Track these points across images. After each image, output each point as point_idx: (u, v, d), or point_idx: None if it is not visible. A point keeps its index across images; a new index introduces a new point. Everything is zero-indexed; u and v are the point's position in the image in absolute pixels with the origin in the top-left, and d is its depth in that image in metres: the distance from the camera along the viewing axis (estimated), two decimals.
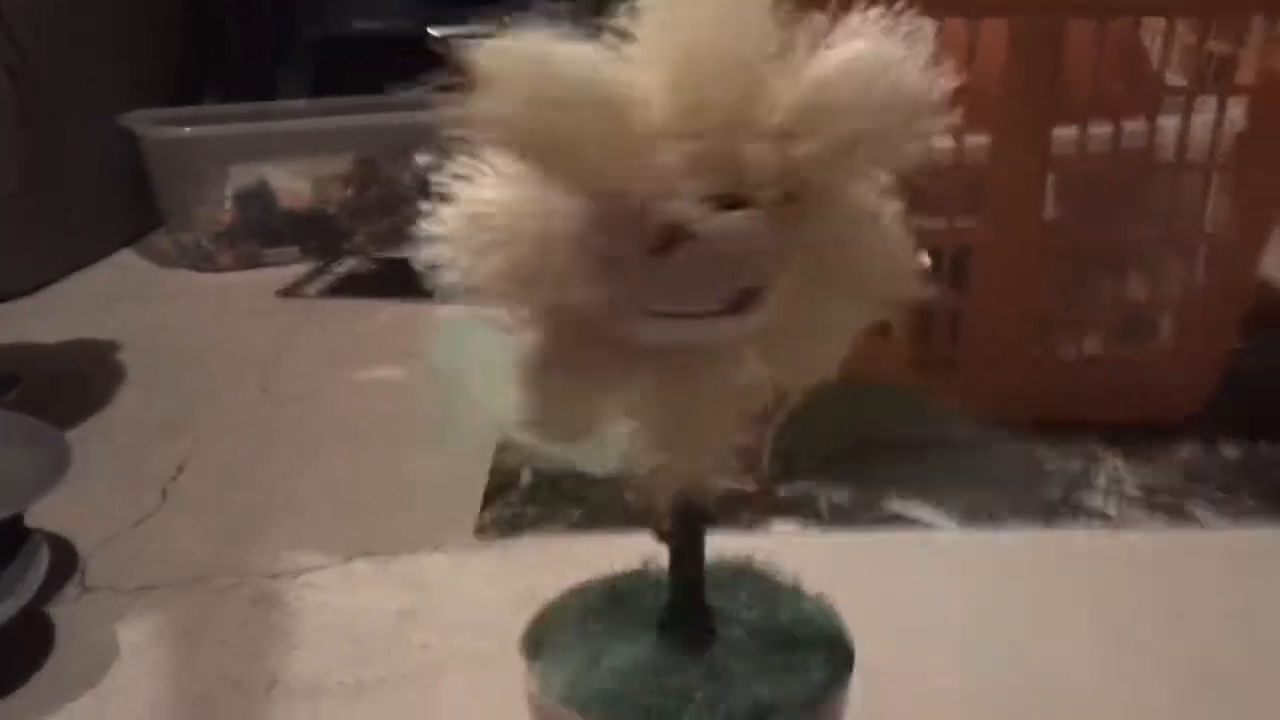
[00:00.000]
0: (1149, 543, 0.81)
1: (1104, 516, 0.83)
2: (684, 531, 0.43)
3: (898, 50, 0.34)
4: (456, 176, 0.36)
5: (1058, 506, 0.85)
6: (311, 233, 1.58)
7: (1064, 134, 0.92)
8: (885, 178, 0.36)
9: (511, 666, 0.67)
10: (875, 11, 0.34)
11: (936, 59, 0.34)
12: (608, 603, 0.48)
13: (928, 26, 0.34)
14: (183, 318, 1.34)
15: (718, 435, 0.38)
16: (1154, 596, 0.75)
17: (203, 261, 1.52)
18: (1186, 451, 0.94)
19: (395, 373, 1.16)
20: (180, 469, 0.94)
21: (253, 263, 1.53)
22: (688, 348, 0.36)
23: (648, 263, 0.34)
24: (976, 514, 0.83)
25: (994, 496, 0.85)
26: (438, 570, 0.79)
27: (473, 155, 0.35)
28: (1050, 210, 0.96)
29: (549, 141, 0.33)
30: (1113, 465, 0.91)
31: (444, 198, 0.37)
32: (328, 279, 1.48)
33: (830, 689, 0.42)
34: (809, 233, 0.35)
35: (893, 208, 0.37)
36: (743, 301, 0.35)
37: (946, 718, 0.64)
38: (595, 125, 0.32)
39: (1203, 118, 0.92)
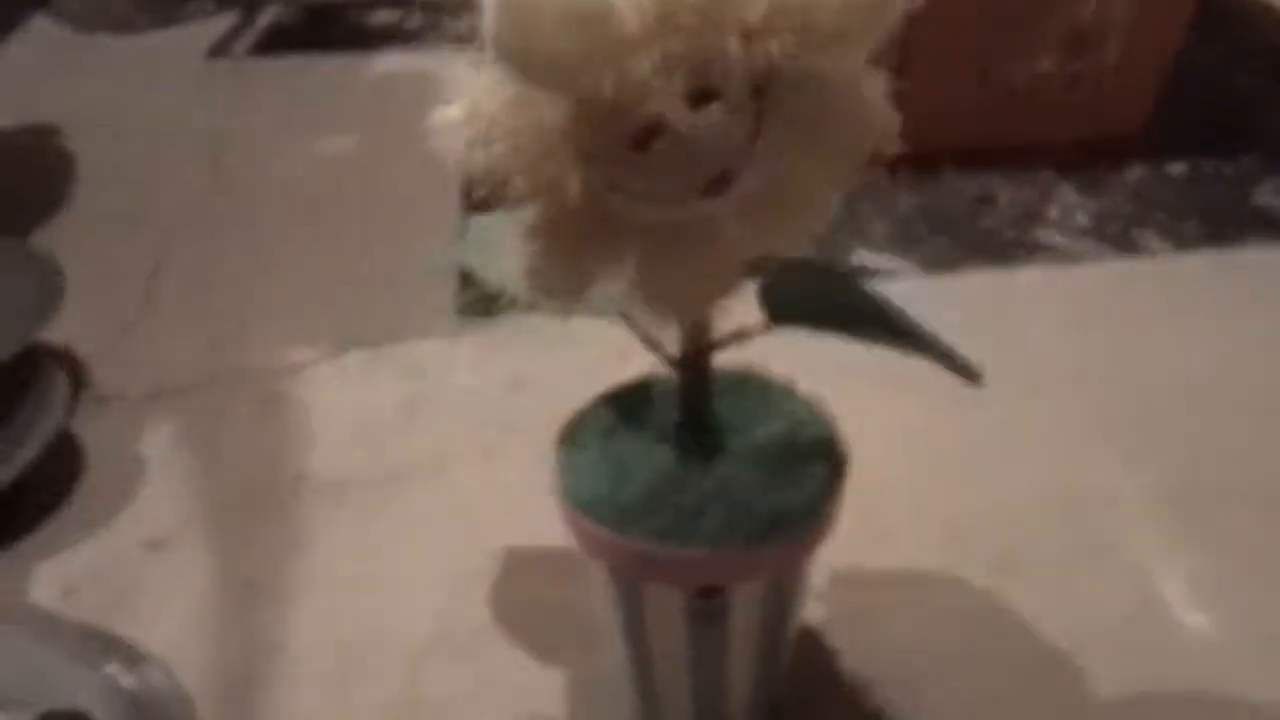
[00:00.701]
0: (1097, 276, 0.86)
1: (1056, 251, 0.88)
2: (690, 357, 0.47)
3: None
4: (463, 71, 0.37)
5: (1013, 247, 0.89)
6: None
7: None
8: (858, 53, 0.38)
9: (511, 455, 0.73)
10: None
11: None
12: (626, 414, 0.52)
13: None
14: (115, 92, 1.30)
15: (701, 298, 0.41)
16: (1100, 331, 0.80)
17: (119, 23, 1.45)
18: (1135, 174, 0.98)
19: (344, 141, 1.15)
20: (157, 266, 0.95)
21: (171, 19, 1.47)
22: (670, 224, 0.39)
23: (630, 156, 0.36)
24: (939, 261, 0.87)
25: (952, 243, 0.89)
26: (428, 358, 0.82)
27: (475, 52, 0.37)
28: None
29: (535, 59, 0.35)
30: (1065, 195, 0.95)
31: (452, 89, 0.38)
32: (254, 33, 1.44)
33: (828, 495, 0.47)
34: (785, 112, 0.37)
35: (867, 77, 0.38)
36: (717, 185, 0.37)
37: (906, 459, 0.70)
38: (574, 39, 0.34)
39: None
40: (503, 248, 0.41)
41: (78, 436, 0.76)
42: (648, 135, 0.36)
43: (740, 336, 0.46)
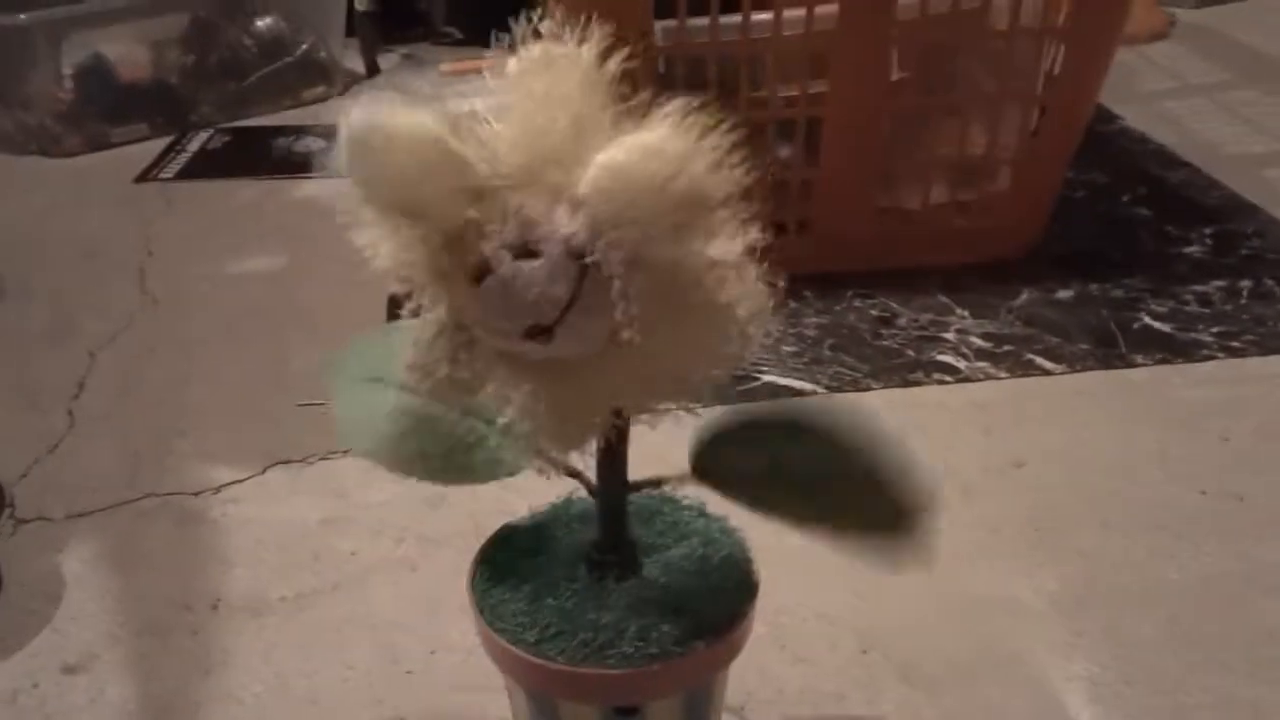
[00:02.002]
0: (993, 393, 0.90)
1: (954, 370, 0.92)
2: (605, 473, 0.50)
3: (688, 145, 0.37)
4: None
5: (912, 367, 0.93)
6: (156, 106, 1.55)
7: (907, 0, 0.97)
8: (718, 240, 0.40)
9: (433, 568, 0.74)
10: (683, 103, 0.37)
11: (728, 158, 0.37)
12: (543, 534, 0.54)
13: (727, 125, 0.37)
14: (42, 212, 1.32)
15: (564, 432, 0.43)
16: (998, 445, 0.84)
17: (50, 145, 1.48)
18: (1026, 297, 1.03)
19: (269, 261, 1.17)
20: (80, 386, 0.96)
21: (102, 143, 1.50)
22: (533, 359, 0.41)
23: (470, 289, 0.39)
24: (844, 380, 0.91)
25: (856, 362, 0.94)
26: (350, 474, 0.84)
27: None
28: (894, 72, 1.02)
29: (395, 203, 0.39)
30: (960, 317, 1.00)
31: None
32: (182, 157, 1.46)
33: (740, 611, 0.50)
34: (634, 285, 0.38)
35: (728, 267, 0.40)
36: (533, 334, 0.40)
37: (813, 573, 0.72)
38: (435, 186, 0.38)
39: None
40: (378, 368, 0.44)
41: None
42: (481, 272, 0.39)
43: (658, 483, 0.49)
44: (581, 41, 0.38)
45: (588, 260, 0.38)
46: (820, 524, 0.49)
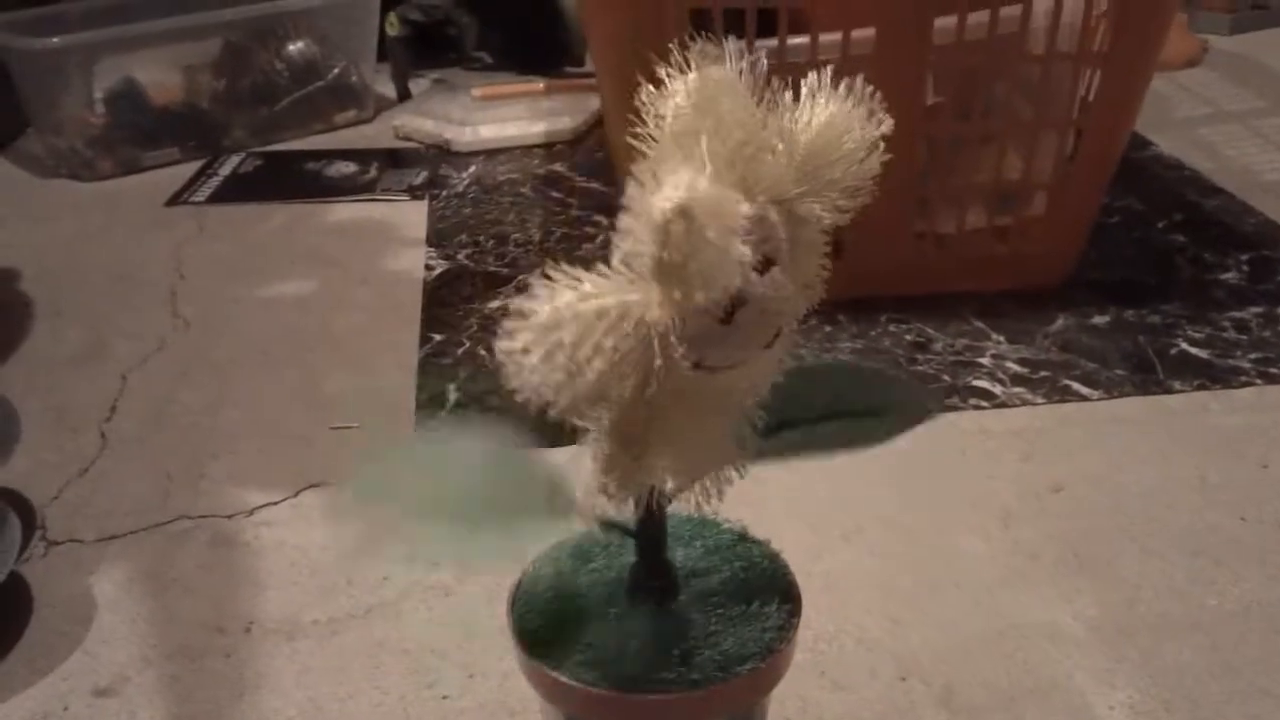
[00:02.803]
0: (1030, 419, 0.89)
1: (990, 395, 0.92)
2: (648, 508, 0.49)
3: (851, 108, 0.40)
4: (542, 288, 0.36)
5: (949, 391, 0.92)
6: (188, 130, 1.56)
7: (944, 23, 0.96)
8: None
9: (467, 593, 0.74)
10: (825, 76, 0.40)
11: (873, 111, 0.41)
12: (582, 558, 0.53)
13: (865, 86, 0.40)
14: (73, 235, 1.33)
15: (720, 458, 0.43)
16: (1035, 471, 0.83)
17: (82, 169, 1.49)
18: (1062, 323, 1.02)
19: (301, 285, 1.18)
20: (112, 409, 0.96)
21: (133, 167, 1.51)
22: (719, 390, 0.41)
23: (718, 330, 0.39)
24: None
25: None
26: None
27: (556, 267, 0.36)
28: (930, 97, 1.02)
29: (677, 259, 0.35)
30: (996, 343, 0.99)
31: (524, 313, 0.36)
32: (213, 181, 1.47)
33: (783, 636, 0.49)
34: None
35: (826, 215, 0.42)
36: (777, 335, 0.40)
37: (853, 599, 0.72)
38: (705, 237, 0.36)
39: (1072, 1, 0.97)
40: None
41: (26, 580, 0.76)
42: (733, 308, 0.38)
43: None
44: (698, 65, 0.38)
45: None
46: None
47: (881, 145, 0.41)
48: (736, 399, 0.42)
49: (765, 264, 0.38)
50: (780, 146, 0.39)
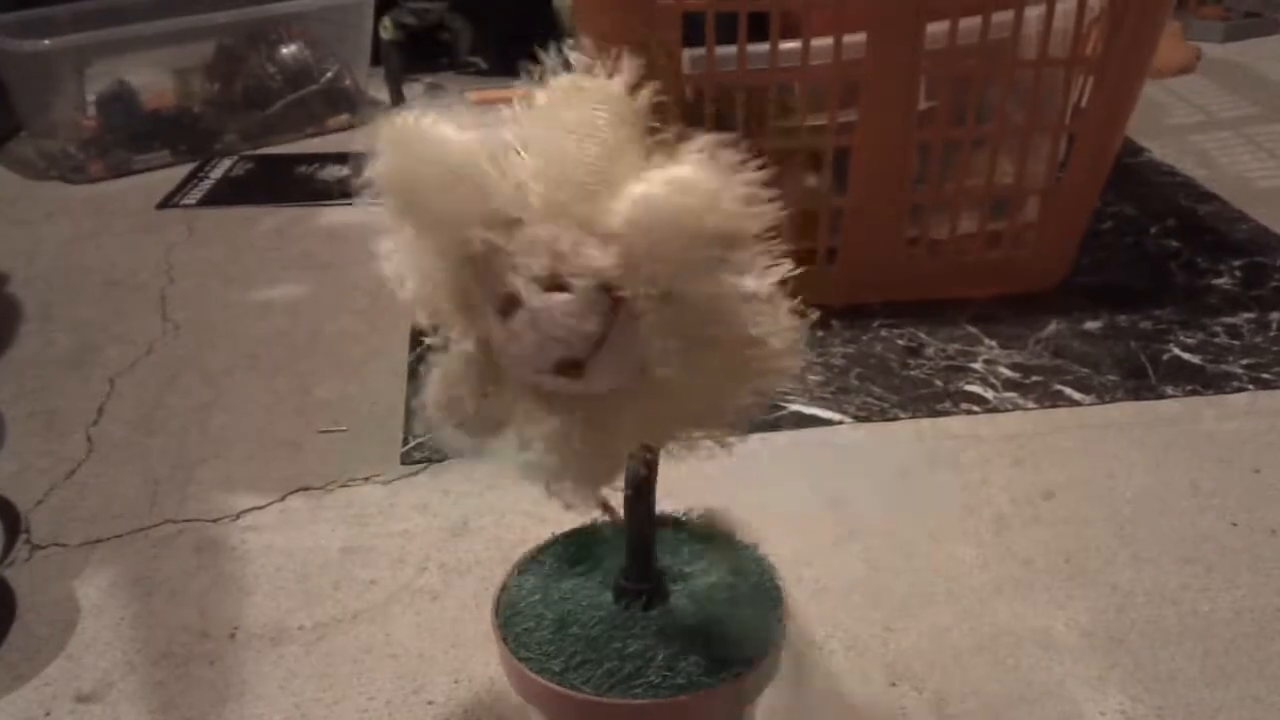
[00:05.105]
0: (1022, 424, 0.89)
1: (982, 400, 0.91)
2: (635, 507, 0.49)
3: (720, 180, 0.37)
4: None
5: (941, 397, 0.92)
6: (180, 133, 1.56)
7: (936, 29, 0.96)
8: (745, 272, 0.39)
9: (455, 597, 0.73)
10: (711, 138, 0.37)
11: (757, 194, 0.37)
12: (569, 561, 0.53)
13: (752, 162, 0.37)
14: (65, 238, 1.32)
15: (591, 470, 0.43)
16: (1028, 475, 0.83)
17: (73, 172, 1.48)
18: (1055, 328, 1.02)
19: (288, 289, 1.17)
20: (100, 412, 0.95)
21: (124, 170, 1.50)
22: (561, 395, 0.41)
23: (497, 320, 0.38)
24: (871, 410, 0.90)
25: (884, 392, 0.93)
26: (372, 502, 0.83)
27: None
28: (922, 102, 1.01)
29: (424, 211, 0.38)
30: (989, 348, 0.99)
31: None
32: (205, 184, 1.47)
33: (770, 641, 0.49)
34: (666, 319, 0.38)
35: (758, 299, 0.39)
36: (564, 369, 0.39)
37: (843, 605, 0.71)
38: (463, 202, 0.37)
39: (1064, 6, 0.97)
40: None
41: (10, 584, 0.75)
42: (509, 305, 0.38)
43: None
44: (612, 73, 0.38)
45: (619, 295, 0.37)
46: None
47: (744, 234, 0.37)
48: (606, 421, 0.41)
49: (553, 284, 0.37)
50: (613, 191, 0.37)
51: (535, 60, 0.39)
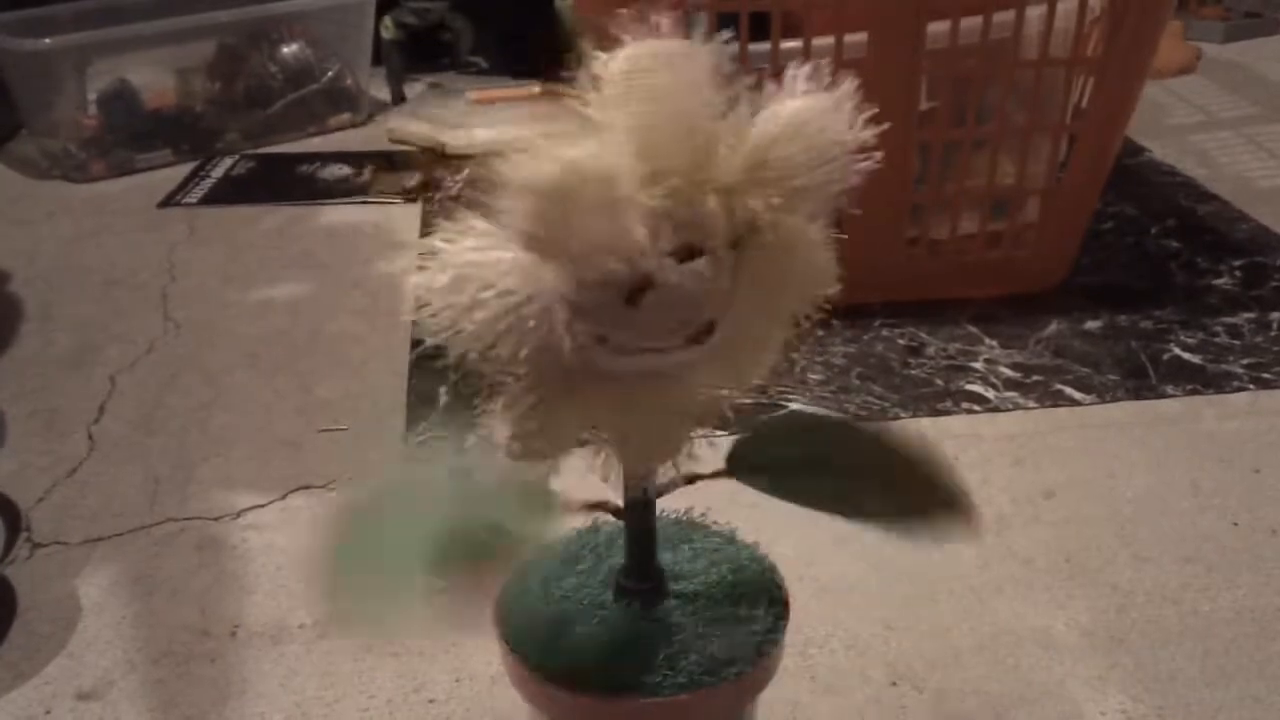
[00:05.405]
0: (1022, 424, 0.89)
1: (983, 400, 0.91)
2: (636, 506, 0.49)
3: (827, 105, 0.38)
4: (443, 237, 0.37)
5: (941, 396, 0.92)
6: (182, 132, 1.56)
7: (937, 29, 0.96)
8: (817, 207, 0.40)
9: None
10: (804, 69, 0.38)
11: (857, 109, 0.38)
12: (569, 560, 0.53)
13: (847, 81, 0.39)
14: (66, 237, 1.32)
15: (672, 441, 0.43)
16: (1028, 475, 0.83)
17: (74, 171, 1.48)
18: (1055, 328, 1.02)
19: (289, 288, 1.17)
20: (101, 411, 0.96)
21: (125, 169, 1.50)
22: (651, 375, 0.40)
23: (622, 310, 0.37)
24: (872, 410, 0.90)
25: (884, 391, 0.93)
26: None
27: (454, 217, 0.37)
28: (923, 102, 1.01)
29: (551, 233, 0.36)
30: (989, 347, 0.99)
31: (431, 257, 0.37)
32: (206, 183, 1.47)
33: (771, 639, 0.49)
34: (753, 265, 0.40)
35: (819, 229, 0.41)
36: (700, 335, 0.39)
37: (844, 604, 0.71)
38: (586, 211, 0.35)
39: (1065, 6, 0.97)
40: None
41: (11, 582, 0.76)
42: (639, 290, 0.37)
43: (693, 479, 0.47)
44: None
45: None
46: (858, 507, 0.48)
47: (858, 148, 0.38)
48: (681, 395, 0.41)
49: (686, 252, 0.37)
50: (729, 135, 0.37)
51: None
